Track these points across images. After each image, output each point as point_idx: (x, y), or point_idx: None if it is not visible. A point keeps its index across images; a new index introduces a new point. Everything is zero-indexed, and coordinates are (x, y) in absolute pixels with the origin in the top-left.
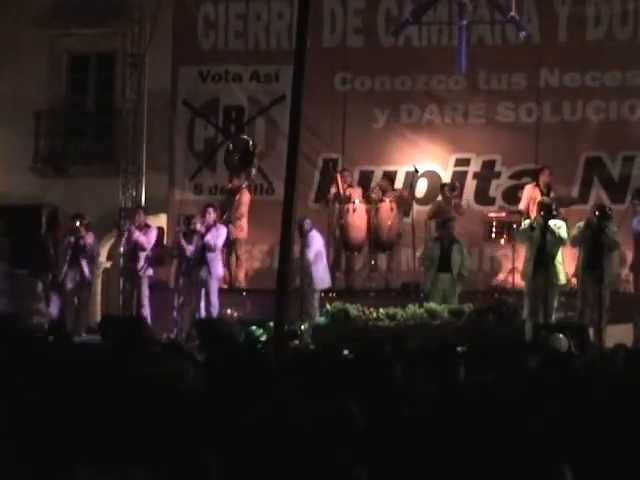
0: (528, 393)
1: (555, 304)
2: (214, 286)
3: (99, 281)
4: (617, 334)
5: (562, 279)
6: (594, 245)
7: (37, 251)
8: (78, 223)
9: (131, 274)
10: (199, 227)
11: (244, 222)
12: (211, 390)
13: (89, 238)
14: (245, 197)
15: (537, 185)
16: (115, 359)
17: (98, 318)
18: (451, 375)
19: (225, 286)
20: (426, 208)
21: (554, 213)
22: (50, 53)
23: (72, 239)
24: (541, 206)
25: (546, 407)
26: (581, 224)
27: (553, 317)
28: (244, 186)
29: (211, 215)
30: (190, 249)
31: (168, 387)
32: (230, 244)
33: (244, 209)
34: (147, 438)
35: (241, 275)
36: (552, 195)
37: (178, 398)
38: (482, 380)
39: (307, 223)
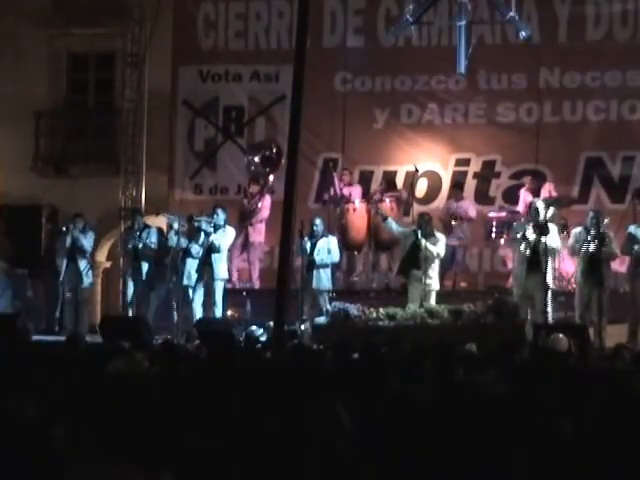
0: (526, 392)
1: (548, 306)
2: (218, 287)
3: (99, 281)
4: (616, 334)
5: (551, 282)
6: (592, 248)
7: (37, 251)
8: (76, 223)
9: (131, 274)
10: (204, 226)
11: (263, 226)
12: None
13: (87, 238)
14: (267, 201)
15: (528, 189)
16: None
17: (98, 318)
18: (450, 375)
19: (230, 286)
20: (426, 208)
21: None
22: (50, 53)
23: (69, 239)
24: (529, 209)
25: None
26: (578, 230)
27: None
28: (265, 190)
29: (219, 216)
30: (196, 249)
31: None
32: (245, 246)
33: (265, 213)
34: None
35: (255, 276)
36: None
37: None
38: (482, 380)
39: (318, 224)
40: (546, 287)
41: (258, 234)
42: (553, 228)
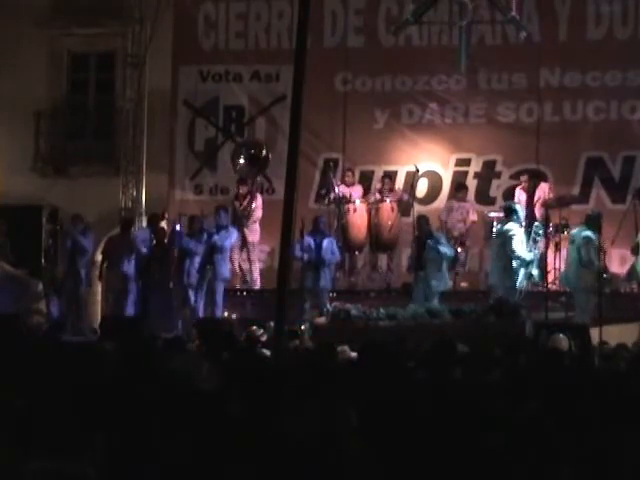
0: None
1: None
2: (219, 287)
3: (99, 281)
4: (618, 334)
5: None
6: None
7: (37, 251)
8: (76, 225)
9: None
10: (205, 226)
11: (257, 225)
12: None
13: (87, 240)
14: (258, 201)
15: (523, 188)
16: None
17: (98, 318)
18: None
19: (237, 286)
20: (427, 208)
21: (514, 217)
22: (50, 53)
23: (70, 241)
24: (508, 210)
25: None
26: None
27: None
28: (255, 190)
29: (222, 217)
30: (198, 249)
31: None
32: (244, 247)
33: (258, 212)
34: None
35: (256, 275)
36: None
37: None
38: (481, 380)
39: (323, 222)
40: (520, 290)
41: (254, 234)
42: (519, 237)
